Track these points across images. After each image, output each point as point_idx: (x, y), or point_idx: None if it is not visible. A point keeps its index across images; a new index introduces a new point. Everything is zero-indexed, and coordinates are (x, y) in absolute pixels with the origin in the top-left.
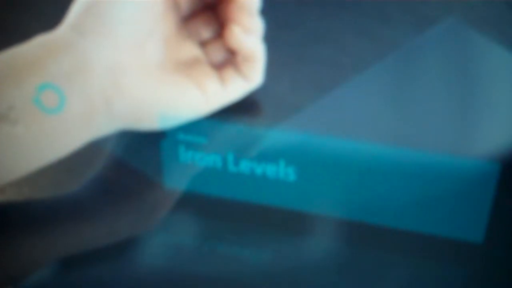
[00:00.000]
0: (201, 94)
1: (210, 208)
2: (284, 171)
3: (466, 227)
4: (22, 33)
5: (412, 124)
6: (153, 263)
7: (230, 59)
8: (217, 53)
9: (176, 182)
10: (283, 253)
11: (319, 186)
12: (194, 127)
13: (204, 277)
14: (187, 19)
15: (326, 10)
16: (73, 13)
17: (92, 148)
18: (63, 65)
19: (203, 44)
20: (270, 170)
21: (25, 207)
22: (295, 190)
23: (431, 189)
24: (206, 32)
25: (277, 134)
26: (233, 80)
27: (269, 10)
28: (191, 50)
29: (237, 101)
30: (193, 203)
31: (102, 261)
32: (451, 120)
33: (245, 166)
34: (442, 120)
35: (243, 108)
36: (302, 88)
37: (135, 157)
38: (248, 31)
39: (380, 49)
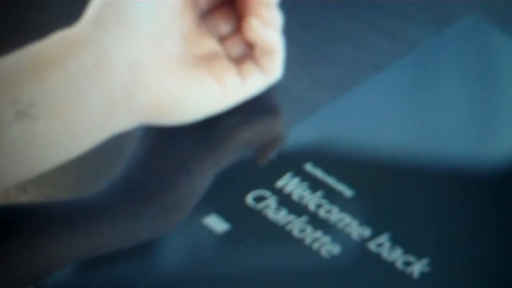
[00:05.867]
0: (221, 88)
1: None
2: None
3: None
4: (41, 30)
5: (432, 124)
6: (175, 264)
7: (249, 53)
8: (236, 47)
9: None
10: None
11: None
12: None
13: (225, 279)
14: (206, 15)
15: (346, 8)
16: (92, 8)
17: (113, 147)
18: (83, 60)
19: (222, 39)
20: None
21: (46, 207)
22: None
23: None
24: (224, 27)
25: None
26: (253, 74)
27: (288, 8)
28: (210, 45)
29: (256, 96)
30: None
31: (124, 261)
32: (471, 119)
33: None
34: (462, 119)
35: (262, 107)
36: (321, 87)
37: (158, 157)
38: (266, 23)
39: (400, 48)
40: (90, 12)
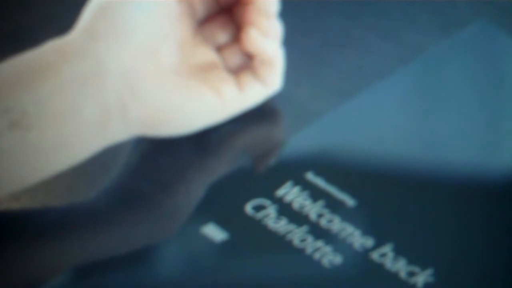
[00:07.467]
0: (218, 100)
1: None
2: None
3: None
4: (34, 38)
5: (437, 133)
6: (173, 273)
7: (247, 64)
8: (234, 58)
9: None
10: None
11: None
12: None
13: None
14: (203, 23)
15: (349, 12)
16: (85, 17)
17: (109, 155)
18: (77, 70)
19: (219, 48)
20: None
21: (40, 214)
22: None
23: None
24: (222, 36)
25: None
26: (251, 85)
27: (290, 13)
28: (207, 54)
29: (255, 106)
30: None
31: (120, 269)
32: (479, 128)
33: None
34: (469, 128)
35: (262, 114)
36: (324, 94)
37: (153, 164)
38: (266, 34)
39: (405, 54)
40: (83, 20)
